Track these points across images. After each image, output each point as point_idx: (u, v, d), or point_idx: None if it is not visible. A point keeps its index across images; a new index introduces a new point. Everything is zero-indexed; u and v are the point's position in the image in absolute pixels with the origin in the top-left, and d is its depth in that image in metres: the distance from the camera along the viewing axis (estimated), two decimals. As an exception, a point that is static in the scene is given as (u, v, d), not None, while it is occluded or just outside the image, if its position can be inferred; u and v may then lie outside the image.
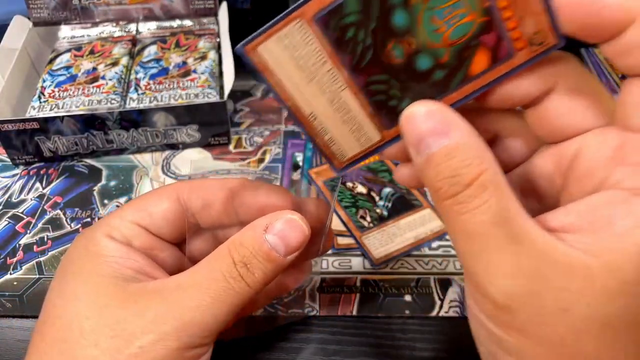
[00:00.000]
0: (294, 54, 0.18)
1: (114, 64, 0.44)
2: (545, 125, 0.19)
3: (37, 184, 0.40)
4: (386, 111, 0.19)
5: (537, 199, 0.20)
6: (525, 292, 0.16)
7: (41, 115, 0.39)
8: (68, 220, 0.37)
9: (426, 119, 0.17)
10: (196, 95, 0.41)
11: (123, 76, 0.43)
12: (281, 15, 0.18)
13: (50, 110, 0.39)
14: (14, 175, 0.40)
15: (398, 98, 0.19)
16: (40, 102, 0.40)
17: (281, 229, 0.22)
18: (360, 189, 0.39)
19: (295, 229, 0.22)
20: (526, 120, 0.20)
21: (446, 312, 0.31)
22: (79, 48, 0.45)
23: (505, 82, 0.18)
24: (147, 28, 0.48)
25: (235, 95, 0.48)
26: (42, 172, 0.41)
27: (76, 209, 0.38)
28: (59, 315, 0.21)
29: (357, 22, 0.18)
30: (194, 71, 0.43)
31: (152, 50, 0.45)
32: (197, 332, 0.20)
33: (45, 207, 0.38)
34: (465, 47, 0.18)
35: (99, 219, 0.37)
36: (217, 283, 0.21)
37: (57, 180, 0.40)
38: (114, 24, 0.48)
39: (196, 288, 0.21)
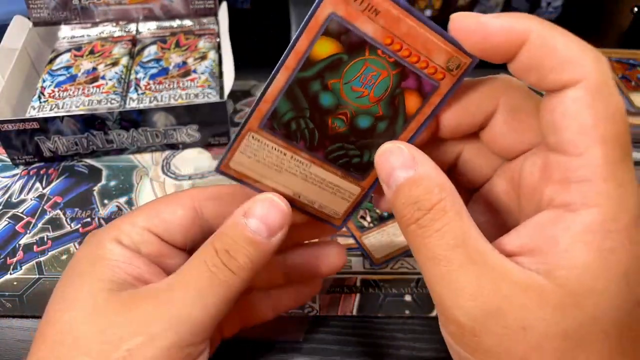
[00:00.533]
0: (258, 158, 0.22)
1: (114, 64, 0.44)
2: (493, 145, 0.21)
3: (37, 184, 0.40)
4: (353, 168, 0.22)
5: (502, 216, 0.21)
6: (487, 313, 0.17)
7: (41, 115, 0.39)
8: (68, 220, 0.37)
9: (395, 155, 0.20)
10: (196, 95, 0.41)
11: (123, 76, 0.43)
12: (236, 133, 0.21)
13: (50, 110, 0.39)
14: (14, 175, 0.40)
15: (358, 155, 0.22)
16: (40, 102, 0.40)
17: (259, 211, 0.21)
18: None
19: (274, 208, 0.22)
20: (483, 142, 0.21)
21: (446, 312, 0.32)
22: (79, 48, 0.45)
23: (448, 112, 0.21)
24: (147, 28, 0.48)
25: (235, 95, 0.48)
26: (42, 172, 0.41)
27: (76, 209, 0.38)
28: (56, 320, 0.21)
29: (295, 116, 0.21)
30: (194, 71, 0.43)
31: (152, 50, 0.45)
32: (186, 328, 0.20)
33: (45, 207, 0.38)
34: (392, 97, 0.20)
35: (99, 219, 0.37)
36: (201, 274, 0.21)
37: (57, 180, 0.40)
38: (114, 24, 0.48)
39: (182, 284, 0.21)
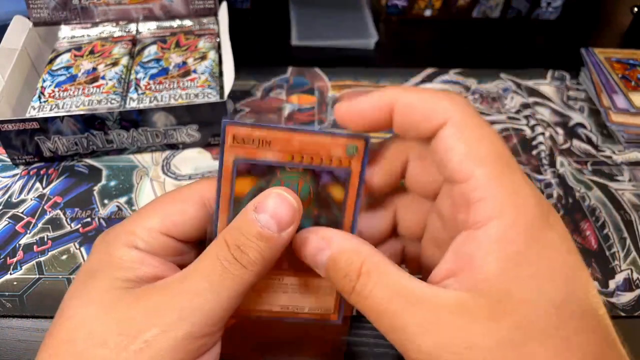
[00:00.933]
0: (255, 291, 0.24)
1: (114, 64, 0.44)
2: (414, 188, 0.24)
3: (37, 184, 0.40)
4: None
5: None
6: (436, 344, 0.18)
7: (41, 115, 0.39)
8: (68, 220, 0.37)
9: (308, 242, 0.22)
10: (196, 95, 0.41)
11: (123, 76, 0.43)
12: None
13: (50, 110, 0.39)
14: (14, 175, 0.41)
15: None
16: (40, 102, 0.40)
17: (270, 206, 0.22)
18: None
19: (284, 203, 0.22)
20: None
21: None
22: (79, 48, 0.45)
23: (373, 176, 0.24)
24: (147, 28, 0.48)
25: (235, 95, 0.48)
26: (42, 172, 0.41)
27: (76, 209, 0.38)
28: (70, 316, 0.21)
29: None
30: (194, 71, 0.43)
31: (152, 50, 0.45)
32: (200, 319, 0.20)
33: (45, 207, 0.38)
34: (318, 196, 0.23)
35: (99, 219, 0.37)
36: (214, 268, 0.21)
37: (57, 180, 0.40)
38: (114, 24, 0.48)
39: (195, 276, 0.21)
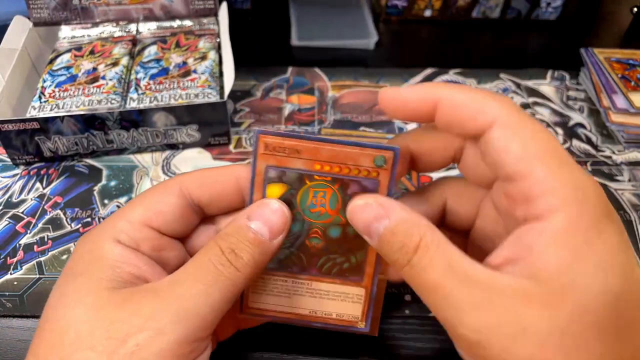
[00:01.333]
0: (268, 292, 0.26)
1: (114, 64, 0.44)
2: (469, 172, 0.24)
3: (37, 184, 0.40)
4: (348, 273, 0.25)
5: (494, 246, 0.23)
6: (487, 323, 0.18)
7: (41, 115, 0.39)
8: (68, 220, 0.37)
9: (367, 209, 0.22)
10: (196, 95, 0.41)
11: (123, 76, 0.43)
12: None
13: (51, 110, 0.39)
14: (14, 175, 0.41)
15: (345, 260, 0.25)
16: (40, 102, 0.40)
17: (263, 215, 0.23)
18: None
19: (275, 212, 0.23)
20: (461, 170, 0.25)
21: (446, 312, 0.32)
22: (79, 48, 0.45)
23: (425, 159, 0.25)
24: (147, 28, 0.48)
25: (235, 95, 0.48)
26: (42, 172, 0.41)
27: (76, 209, 0.38)
28: (57, 319, 0.21)
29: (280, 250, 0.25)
30: (194, 71, 0.43)
31: (152, 51, 0.45)
32: (193, 323, 0.20)
33: (45, 207, 0.38)
34: (345, 204, 0.24)
35: (99, 218, 0.37)
36: (207, 271, 0.21)
37: (58, 180, 0.40)
38: (114, 24, 0.48)
39: (188, 280, 0.21)
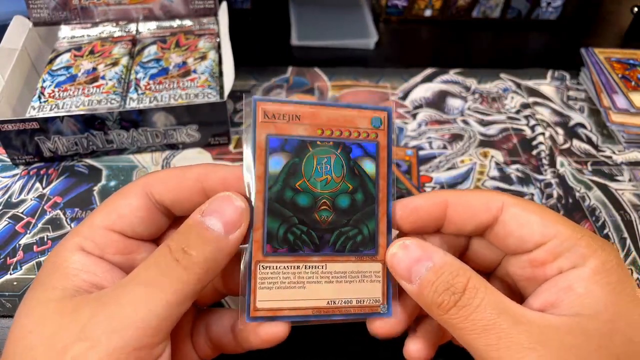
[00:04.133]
0: (277, 284, 0.23)
1: (114, 64, 0.44)
2: (499, 243, 0.24)
3: (37, 184, 0.40)
4: (362, 247, 0.24)
5: (515, 291, 0.25)
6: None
7: (41, 115, 0.39)
8: (68, 220, 0.37)
9: (406, 253, 0.22)
10: (196, 95, 0.41)
11: (123, 76, 0.43)
12: (247, 278, 0.22)
13: (50, 110, 0.39)
14: (14, 175, 0.40)
15: (358, 232, 0.23)
16: (40, 102, 0.40)
17: (216, 208, 0.21)
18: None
19: (230, 205, 0.22)
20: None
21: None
22: (79, 48, 0.45)
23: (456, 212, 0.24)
24: (147, 28, 0.48)
25: (235, 95, 0.48)
26: (42, 172, 0.41)
27: (76, 209, 0.38)
28: (12, 330, 0.20)
29: (287, 228, 0.23)
30: (194, 71, 0.43)
31: (152, 50, 0.45)
32: (132, 330, 0.19)
33: (45, 207, 0.38)
34: (351, 170, 0.23)
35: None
36: (151, 273, 0.20)
37: (57, 180, 0.40)
38: (114, 24, 0.48)
39: (130, 284, 0.20)
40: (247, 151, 0.22)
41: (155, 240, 0.25)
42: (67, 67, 0.43)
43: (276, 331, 0.23)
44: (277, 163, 0.22)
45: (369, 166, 0.24)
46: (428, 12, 0.59)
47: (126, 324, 0.19)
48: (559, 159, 0.44)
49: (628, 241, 0.38)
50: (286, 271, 0.23)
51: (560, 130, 0.47)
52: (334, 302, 0.23)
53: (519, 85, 0.51)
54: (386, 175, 0.24)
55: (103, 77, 0.42)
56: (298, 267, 0.23)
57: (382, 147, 0.23)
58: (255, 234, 0.22)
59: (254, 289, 0.22)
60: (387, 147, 0.23)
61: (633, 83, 0.48)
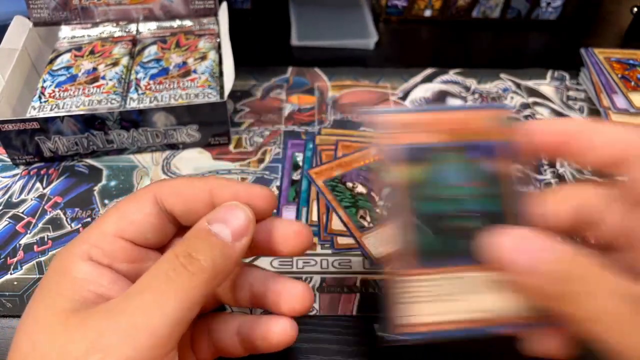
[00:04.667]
0: (432, 298, 0.21)
1: (114, 64, 0.44)
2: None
3: (38, 184, 0.40)
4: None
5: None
6: None
7: (41, 115, 0.39)
8: (68, 220, 0.37)
9: (524, 242, 0.20)
10: (196, 95, 0.41)
11: (123, 76, 0.43)
12: (390, 290, 0.21)
13: (51, 110, 0.39)
14: (14, 175, 0.41)
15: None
16: (40, 102, 0.40)
17: (223, 216, 0.22)
18: (360, 188, 0.39)
19: (238, 213, 0.22)
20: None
21: (446, 312, 0.32)
22: (79, 48, 0.45)
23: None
24: (147, 28, 0.48)
25: (235, 95, 0.48)
26: (42, 172, 0.41)
27: (76, 209, 0.38)
28: (19, 339, 0.20)
29: (437, 236, 0.21)
30: (194, 71, 0.43)
31: (152, 51, 0.45)
32: (144, 339, 0.19)
33: (45, 207, 0.38)
34: (488, 173, 0.22)
35: (99, 219, 0.37)
36: (159, 279, 0.20)
37: (58, 180, 0.40)
38: (114, 24, 0.48)
39: (139, 292, 0.20)
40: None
41: (160, 249, 0.25)
42: (68, 67, 0.43)
43: (287, 336, 0.22)
44: (414, 173, 0.22)
45: (502, 166, 0.23)
46: (428, 12, 0.59)
47: (138, 333, 0.19)
48: (559, 159, 0.44)
49: (628, 241, 0.38)
50: (439, 282, 0.21)
51: (560, 130, 0.47)
52: (497, 314, 0.21)
53: (518, 86, 0.51)
54: (511, 176, 0.23)
55: (103, 77, 0.42)
56: (457, 278, 0.21)
57: (510, 144, 0.22)
58: (401, 248, 0.21)
59: (392, 304, 0.21)
60: (513, 146, 0.22)
61: (633, 83, 0.48)
